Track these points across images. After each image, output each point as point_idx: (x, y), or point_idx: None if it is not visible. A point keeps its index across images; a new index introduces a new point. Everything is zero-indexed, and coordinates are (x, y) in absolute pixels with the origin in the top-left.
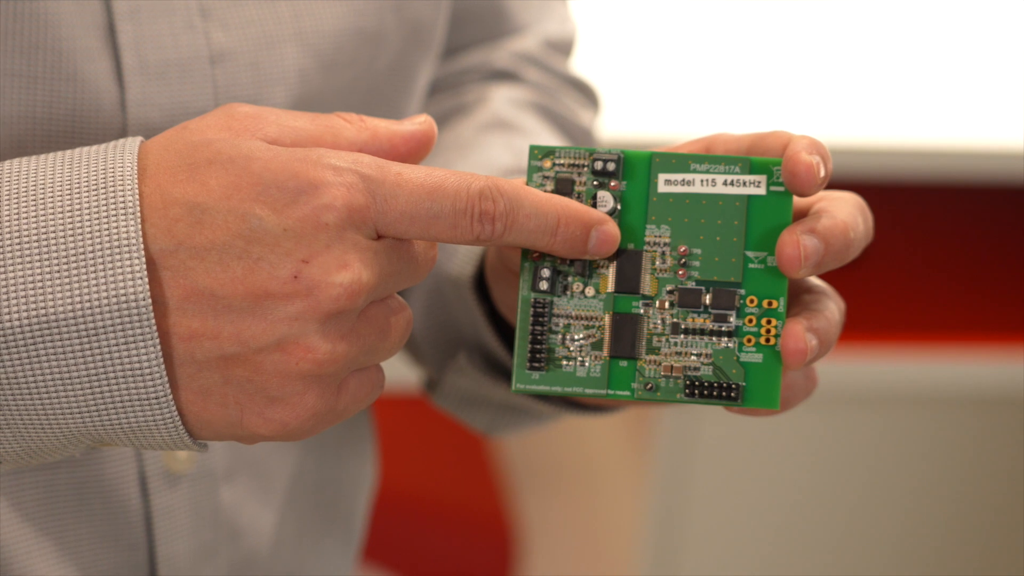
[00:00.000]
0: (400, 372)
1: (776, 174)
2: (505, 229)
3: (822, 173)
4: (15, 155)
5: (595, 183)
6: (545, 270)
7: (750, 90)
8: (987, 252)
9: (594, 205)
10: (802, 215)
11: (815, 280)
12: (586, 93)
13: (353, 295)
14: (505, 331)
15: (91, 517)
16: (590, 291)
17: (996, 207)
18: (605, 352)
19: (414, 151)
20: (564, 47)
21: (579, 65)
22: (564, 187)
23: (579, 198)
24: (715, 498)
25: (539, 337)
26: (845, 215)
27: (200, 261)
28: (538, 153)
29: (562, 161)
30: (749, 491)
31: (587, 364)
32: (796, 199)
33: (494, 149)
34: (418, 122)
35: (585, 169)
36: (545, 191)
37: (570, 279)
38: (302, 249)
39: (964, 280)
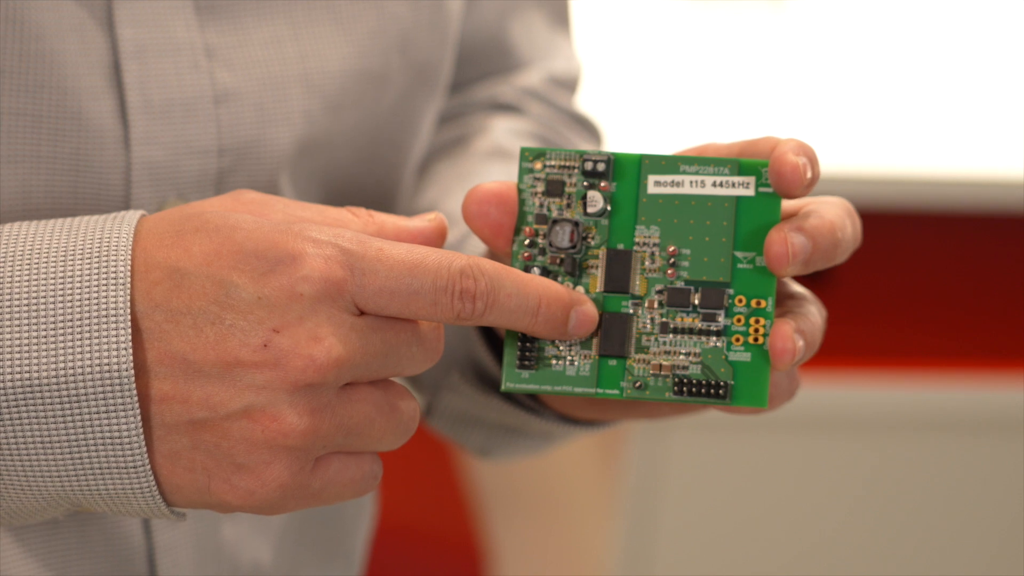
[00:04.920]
0: None
1: (764, 175)
2: (486, 308)
3: (809, 174)
4: (19, 194)
5: (585, 184)
6: (535, 269)
7: (750, 122)
8: (981, 279)
9: (584, 205)
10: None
11: (797, 287)
12: (588, 128)
13: (322, 369)
14: (498, 348)
15: (93, 554)
16: (580, 291)
17: (990, 235)
18: (594, 351)
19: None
20: (568, 84)
21: (582, 99)
22: (555, 188)
23: (569, 199)
24: (685, 521)
25: (529, 336)
26: (832, 216)
27: (175, 325)
28: (529, 155)
29: (553, 163)
30: (720, 514)
31: (576, 363)
32: (785, 202)
33: (493, 177)
34: (428, 219)
35: (576, 170)
36: (536, 192)
37: (560, 279)
38: (274, 318)
39: (955, 306)
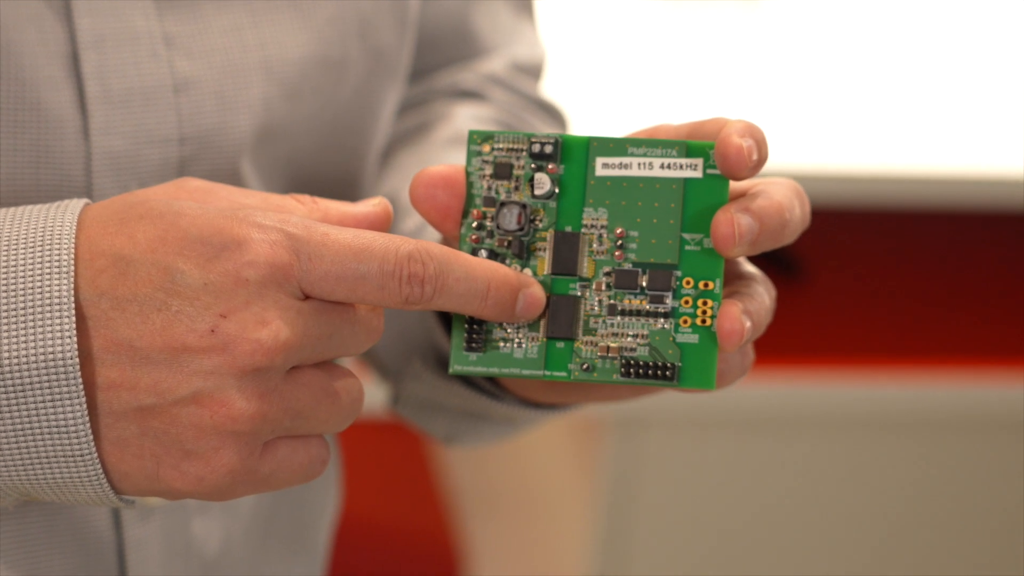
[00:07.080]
0: None
1: (712, 157)
2: (435, 292)
3: (755, 156)
4: None
5: (533, 166)
6: (483, 252)
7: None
8: (973, 278)
9: (532, 188)
10: None
11: (748, 267)
12: (552, 114)
13: (270, 352)
14: None
15: (63, 550)
16: (528, 273)
17: (981, 233)
18: (542, 333)
19: None
20: (532, 70)
21: (548, 86)
22: (503, 171)
23: (517, 181)
24: (662, 519)
25: (476, 319)
26: (780, 196)
27: (121, 312)
28: (477, 138)
29: (501, 145)
30: (697, 512)
31: (524, 345)
32: (734, 184)
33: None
34: (372, 204)
35: (524, 153)
36: (484, 175)
37: (507, 261)
38: (221, 304)
39: (946, 304)
